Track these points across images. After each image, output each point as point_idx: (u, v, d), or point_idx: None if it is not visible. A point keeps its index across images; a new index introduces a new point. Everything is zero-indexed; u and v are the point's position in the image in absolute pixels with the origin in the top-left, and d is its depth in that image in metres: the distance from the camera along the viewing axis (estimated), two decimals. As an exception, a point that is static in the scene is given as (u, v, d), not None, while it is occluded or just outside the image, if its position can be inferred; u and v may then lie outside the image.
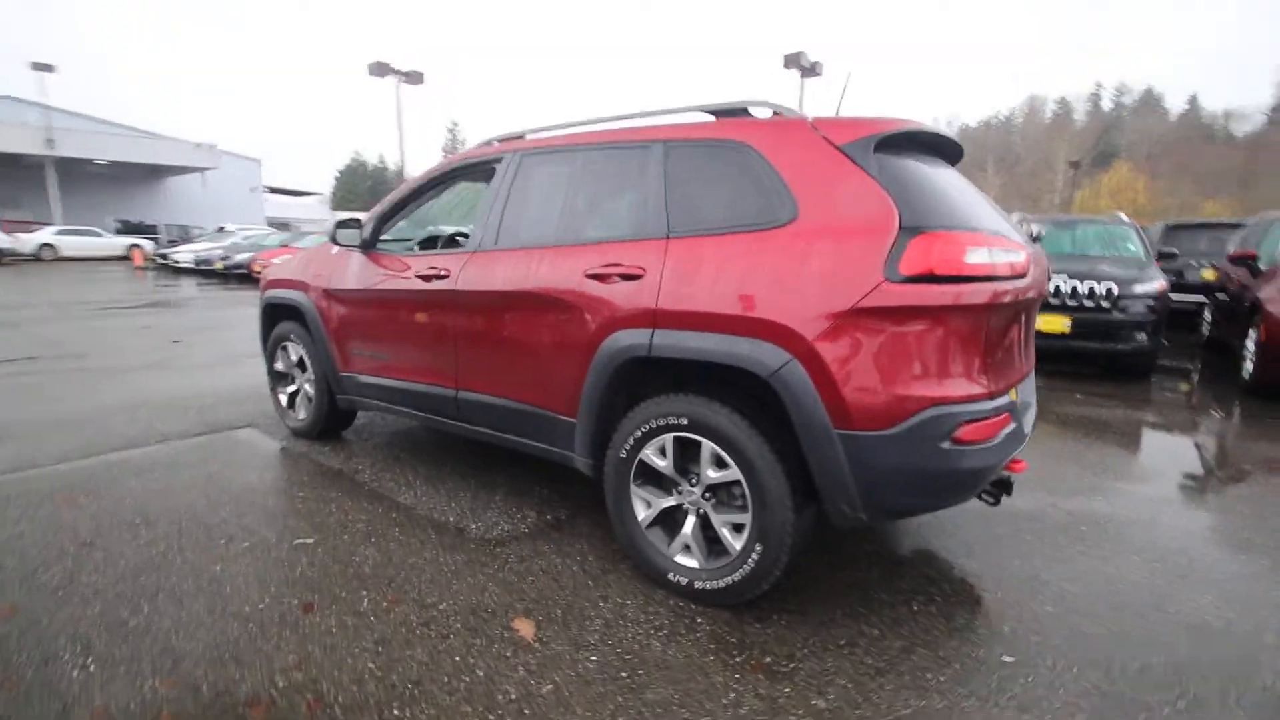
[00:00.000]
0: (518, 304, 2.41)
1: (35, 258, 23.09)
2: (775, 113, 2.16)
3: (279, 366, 3.76)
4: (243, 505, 2.76)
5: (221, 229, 25.69)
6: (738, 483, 1.93)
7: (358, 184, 62.50)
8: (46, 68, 25.68)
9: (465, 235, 3.88)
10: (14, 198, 28.44)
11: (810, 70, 20.00)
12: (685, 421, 1.98)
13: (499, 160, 2.72)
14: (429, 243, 3.68)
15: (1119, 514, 2.84)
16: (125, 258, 24.51)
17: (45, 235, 23.83)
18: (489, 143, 2.91)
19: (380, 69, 21.49)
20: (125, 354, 6.19)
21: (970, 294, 1.72)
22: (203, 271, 17.76)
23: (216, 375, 5.33)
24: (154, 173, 31.92)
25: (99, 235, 25.07)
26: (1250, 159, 43.00)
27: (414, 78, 22.36)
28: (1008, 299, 1.78)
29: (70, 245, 23.96)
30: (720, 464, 1.96)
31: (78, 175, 28.95)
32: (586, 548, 2.46)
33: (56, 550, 2.36)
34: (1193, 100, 58.01)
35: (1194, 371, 6.41)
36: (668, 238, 2.08)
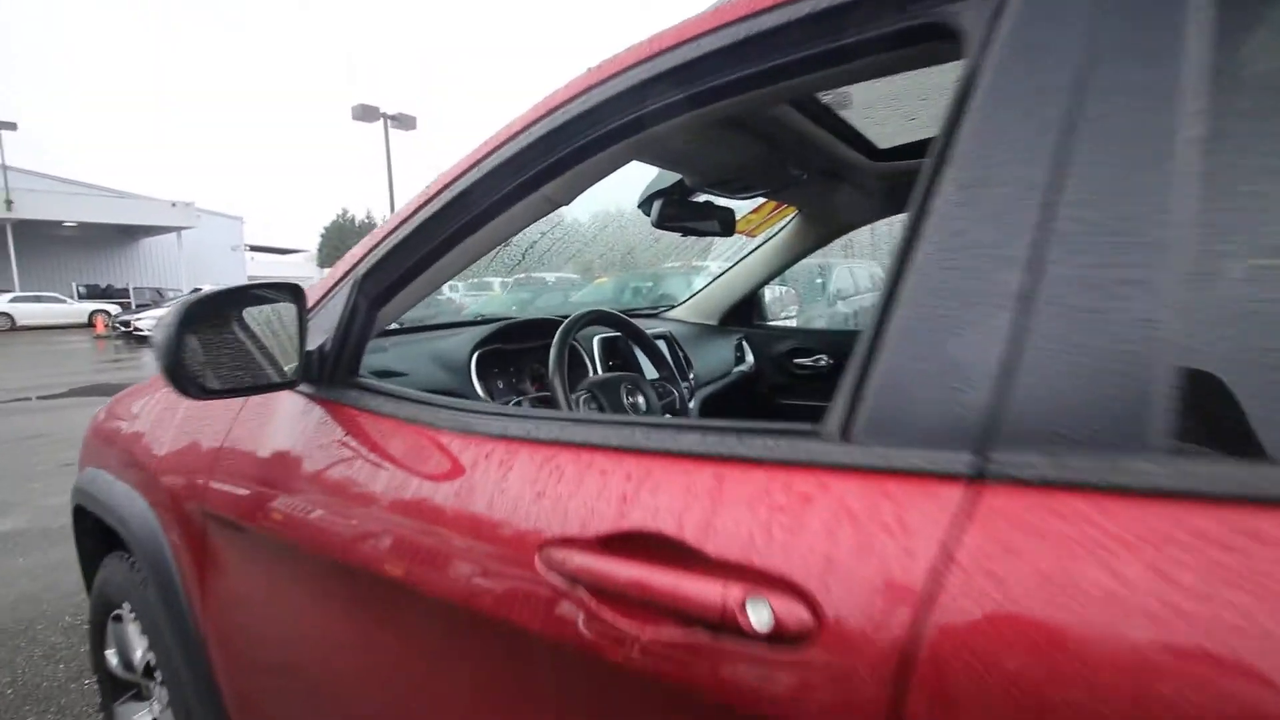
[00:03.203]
0: None
1: (-11, 328, 21.11)
2: None
3: (111, 660, 1.48)
4: None
5: (197, 290, 23.85)
6: None
7: (346, 239, 60.67)
8: (8, 126, 24.01)
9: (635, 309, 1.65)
10: (-32, 265, 26.39)
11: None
12: None
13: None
14: (507, 345, 1.46)
15: None
16: (89, 325, 22.48)
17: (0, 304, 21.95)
18: None
19: (366, 113, 19.75)
20: (-39, 502, 3.86)
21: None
22: (166, 340, 15.65)
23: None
24: (127, 234, 30.07)
25: (62, 302, 23.22)
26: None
27: (405, 122, 20.63)
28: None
29: (28, 313, 22.15)
30: None
31: (41, 238, 27.01)
32: None
33: None
34: None
35: None
36: None
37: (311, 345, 0.93)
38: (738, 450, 0.51)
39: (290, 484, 0.88)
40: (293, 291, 0.85)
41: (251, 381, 0.80)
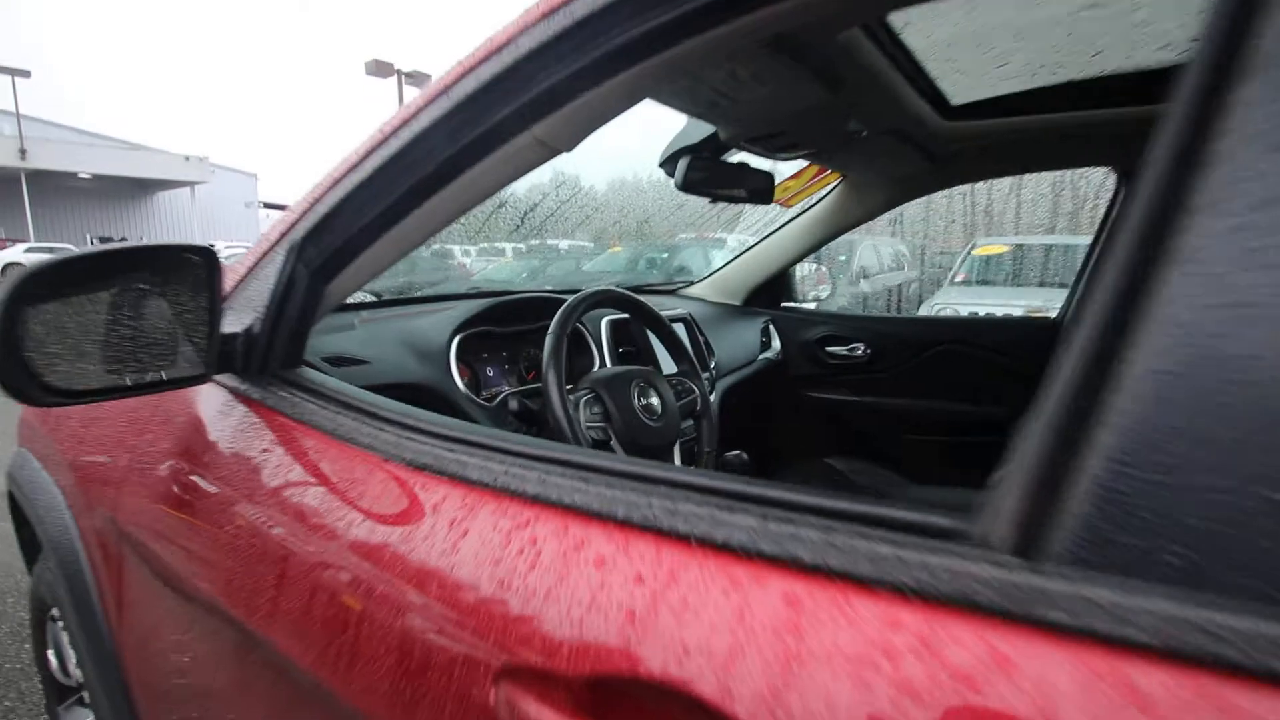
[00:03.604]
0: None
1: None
2: None
3: (52, 661, 1.32)
4: None
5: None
6: None
7: (360, 199, 60.19)
8: (21, 73, 23.77)
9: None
10: (-15, 213, 26.44)
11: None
12: None
13: None
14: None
15: None
16: (102, 278, 22.58)
17: (13, 253, 22.08)
18: None
19: (380, 69, 19.30)
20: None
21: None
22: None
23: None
24: (141, 187, 29.92)
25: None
26: None
27: (417, 79, 20.14)
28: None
29: (42, 264, 22.24)
30: None
31: (56, 188, 26.94)
32: None
33: None
34: None
35: None
36: None
37: (238, 326, 0.73)
38: (825, 558, 0.30)
39: (196, 504, 0.69)
40: (202, 254, 0.64)
41: (134, 379, 0.59)
